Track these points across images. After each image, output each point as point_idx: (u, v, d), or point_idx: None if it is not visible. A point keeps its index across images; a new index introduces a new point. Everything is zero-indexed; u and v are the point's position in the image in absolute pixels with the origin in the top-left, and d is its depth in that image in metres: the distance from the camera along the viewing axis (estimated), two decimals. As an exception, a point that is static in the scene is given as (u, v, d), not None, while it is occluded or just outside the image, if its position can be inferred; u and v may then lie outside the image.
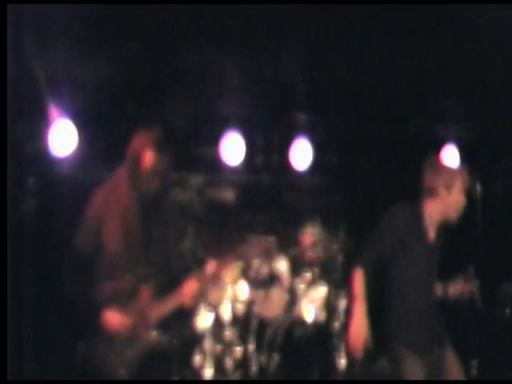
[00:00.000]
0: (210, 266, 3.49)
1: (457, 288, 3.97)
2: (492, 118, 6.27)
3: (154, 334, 3.36)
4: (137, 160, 3.41)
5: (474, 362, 6.13)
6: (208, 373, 4.87)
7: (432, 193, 3.78)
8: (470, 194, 7.05)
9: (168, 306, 3.42)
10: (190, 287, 3.43)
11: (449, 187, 3.75)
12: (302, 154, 6.21)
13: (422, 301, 3.77)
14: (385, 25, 4.97)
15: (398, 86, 5.73)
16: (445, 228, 3.95)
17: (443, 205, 3.78)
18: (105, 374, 3.28)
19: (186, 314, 4.83)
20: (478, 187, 6.95)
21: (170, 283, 3.46)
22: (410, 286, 3.75)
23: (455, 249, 6.65)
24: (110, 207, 3.44)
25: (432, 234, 3.85)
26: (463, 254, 6.68)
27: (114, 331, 3.31)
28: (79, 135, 5.16)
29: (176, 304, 3.43)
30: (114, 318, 3.32)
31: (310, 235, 5.93)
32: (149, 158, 3.39)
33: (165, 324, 3.46)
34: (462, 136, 6.68)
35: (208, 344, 4.97)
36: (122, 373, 3.26)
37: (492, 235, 6.69)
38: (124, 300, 3.36)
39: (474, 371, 6.16)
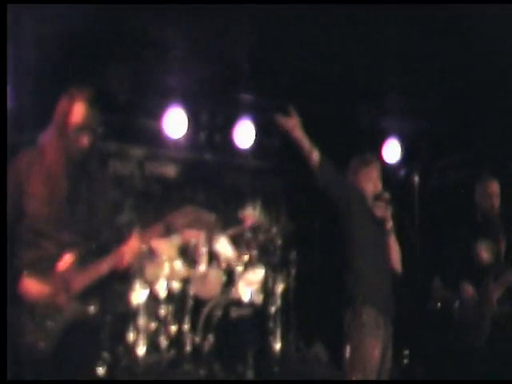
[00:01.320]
0: (138, 234, 3.33)
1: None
2: (435, 114, 6.35)
3: (79, 305, 3.17)
4: (66, 115, 3.23)
5: (406, 352, 6.23)
6: (141, 350, 4.71)
7: None
8: (406, 187, 7.19)
9: (91, 274, 3.23)
10: (117, 255, 3.25)
11: (357, 173, 4.18)
12: (245, 135, 6.12)
13: (378, 268, 4.00)
14: (334, 13, 4.95)
15: (346, 74, 5.71)
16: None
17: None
18: (23, 346, 3.08)
19: (119, 289, 4.66)
20: (416, 180, 7.05)
21: (98, 253, 3.28)
22: (365, 254, 3.99)
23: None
24: (34, 169, 3.25)
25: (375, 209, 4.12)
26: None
27: (33, 300, 3.11)
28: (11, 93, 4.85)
29: (100, 272, 3.24)
30: (32, 286, 3.13)
31: (251, 216, 5.85)
32: (79, 111, 3.22)
33: (96, 297, 3.27)
34: (404, 130, 6.75)
35: (142, 321, 4.82)
36: (42, 345, 3.07)
37: (427, 230, 6.79)
38: (46, 267, 3.16)
39: (405, 361, 6.25)
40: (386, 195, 4.09)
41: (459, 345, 4.85)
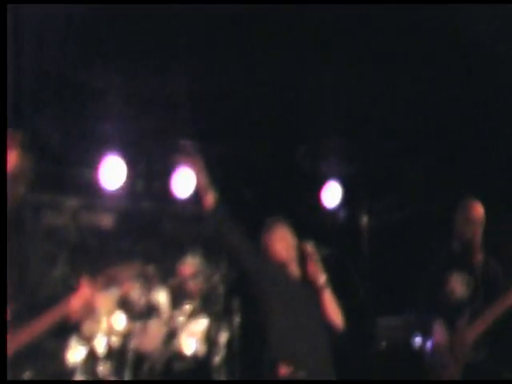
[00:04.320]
0: (82, 290, 3.15)
1: None
2: (374, 156, 6.41)
3: (11, 371, 2.94)
4: None
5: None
6: (78, 411, 4.49)
7: None
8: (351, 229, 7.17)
9: (27, 334, 2.96)
10: (65, 307, 3.05)
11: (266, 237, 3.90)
12: (184, 182, 6.02)
13: (302, 334, 3.69)
14: (268, 56, 4.98)
15: (285, 117, 5.73)
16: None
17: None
18: None
19: (53, 348, 4.44)
20: (364, 221, 7.08)
21: (31, 311, 3.07)
22: (282, 322, 3.70)
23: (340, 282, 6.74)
24: None
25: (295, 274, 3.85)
26: (346, 288, 6.77)
27: None
28: None
29: (39, 330, 2.99)
30: None
31: (191, 265, 5.74)
32: (14, 157, 3.05)
33: (29, 360, 3.05)
34: (344, 173, 6.77)
35: (79, 379, 4.59)
36: None
37: (371, 270, 6.80)
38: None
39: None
40: (310, 248, 3.79)
41: None
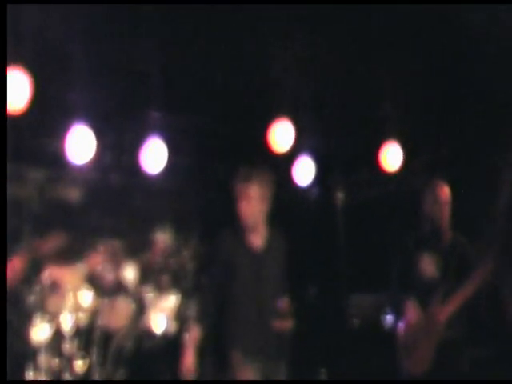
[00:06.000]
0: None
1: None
2: (348, 132, 6.34)
3: None
4: None
5: (324, 371, 6.15)
6: (42, 390, 4.36)
7: None
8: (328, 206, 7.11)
9: None
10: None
11: (240, 196, 3.85)
12: (154, 155, 5.84)
13: (253, 310, 3.80)
14: (245, 29, 4.85)
15: (257, 93, 5.60)
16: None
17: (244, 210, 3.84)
18: None
19: (16, 325, 4.30)
20: (338, 198, 7.03)
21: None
22: (239, 298, 3.82)
23: (314, 259, 6.71)
24: None
25: (258, 242, 3.86)
26: (320, 264, 6.76)
27: None
28: None
29: None
30: None
31: (161, 241, 5.63)
32: None
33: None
34: (317, 148, 6.68)
35: (44, 358, 4.47)
36: None
37: (344, 248, 6.79)
38: None
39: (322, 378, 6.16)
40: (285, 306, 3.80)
41: (397, 370, 4.31)
